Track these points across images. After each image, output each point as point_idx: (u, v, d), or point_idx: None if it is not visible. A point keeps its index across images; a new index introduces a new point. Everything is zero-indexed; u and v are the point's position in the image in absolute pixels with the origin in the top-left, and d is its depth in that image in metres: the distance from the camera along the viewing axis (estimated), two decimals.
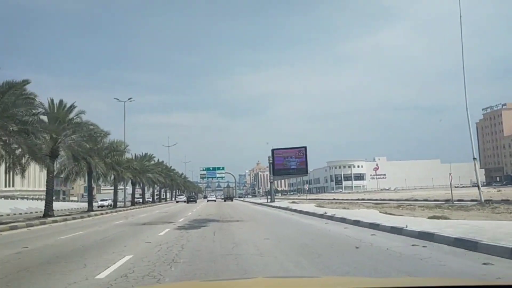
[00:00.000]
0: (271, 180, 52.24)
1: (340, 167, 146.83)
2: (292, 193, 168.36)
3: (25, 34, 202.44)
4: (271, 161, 50.05)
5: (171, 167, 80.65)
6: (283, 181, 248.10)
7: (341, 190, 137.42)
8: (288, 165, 50.79)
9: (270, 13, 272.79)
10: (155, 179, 63.10)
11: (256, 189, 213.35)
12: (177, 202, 69.79)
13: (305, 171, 52.77)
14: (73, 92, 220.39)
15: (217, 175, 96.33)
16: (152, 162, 63.51)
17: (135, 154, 58.16)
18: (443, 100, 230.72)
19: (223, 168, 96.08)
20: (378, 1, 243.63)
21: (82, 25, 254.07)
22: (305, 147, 51.21)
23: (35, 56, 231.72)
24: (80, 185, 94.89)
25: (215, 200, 69.90)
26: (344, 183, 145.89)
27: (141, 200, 68.56)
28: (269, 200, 47.00)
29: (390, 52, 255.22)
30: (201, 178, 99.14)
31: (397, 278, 3.57)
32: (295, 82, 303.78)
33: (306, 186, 79.87)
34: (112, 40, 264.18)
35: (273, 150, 50.78)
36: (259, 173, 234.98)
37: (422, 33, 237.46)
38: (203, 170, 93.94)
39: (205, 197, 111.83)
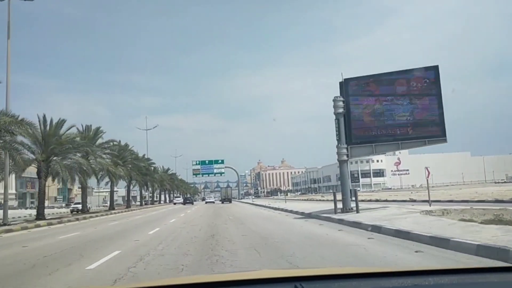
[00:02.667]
0: (345, 157, 19.45)
1: (356, 162, 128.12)
2: (298, 193, 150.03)
3: (25, 38, 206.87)
4: (341, 110, 19.27)
5: (144, 156, 61.34)
6: (286, 180, 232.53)
7: (359, 189, 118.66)
8: (391, 115, 18.97)
9: (270, 15, 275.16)
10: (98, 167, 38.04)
11: (259, 189, 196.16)
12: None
13: (441, 132, 18.54)
14: (73, 95, 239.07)
15: (215, 171, 77.71)
16: (102, 140, 41.10)
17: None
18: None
19: (222, 162, 77.54)
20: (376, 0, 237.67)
21: (82, 28, 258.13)
22: (436, 67, 18.62)
23: (36, 59, 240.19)
24: (49, 186, 77.96)
25: (213, 202, 66.67)
26: (362, 180, 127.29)
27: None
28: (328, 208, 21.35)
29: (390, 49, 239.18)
30: (194, 175, 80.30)
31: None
32: (295, 83, 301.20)
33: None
34: (111, 43, 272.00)
35: (345, 82, 19.53)
36: (261, 172, 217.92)
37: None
38: (196, 164, 75.55)
39: (203, 199, 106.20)
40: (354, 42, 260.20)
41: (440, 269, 1.95)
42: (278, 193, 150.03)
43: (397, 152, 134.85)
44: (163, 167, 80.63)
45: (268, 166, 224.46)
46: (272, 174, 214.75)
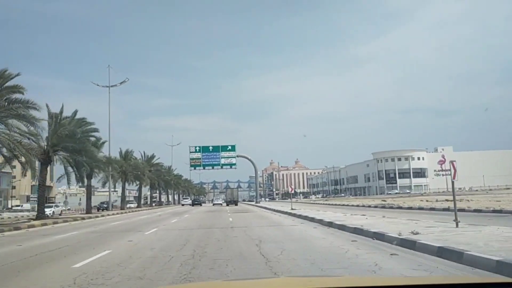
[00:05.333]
0: None
1: (393, 160, 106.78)
2: (318, 196, 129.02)
3: (38, 39, 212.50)
4: None
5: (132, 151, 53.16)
6: (301, 181, 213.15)
7: (396, 191, 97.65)
8: None
9: (276, 16, 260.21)
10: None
11: (274, 190, 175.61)
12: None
13: None
14: (82, 95, 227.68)
15: (223, 161, 57.13)
16: None
17: None
18: None
19: (233, 148, 56.97)
20: (388, 2, 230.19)
21: (92, 30, 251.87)
22: None
23: (47, 60, 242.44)
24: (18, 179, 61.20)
25: (221, 204, 62.60)
26: (400, 181, 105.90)
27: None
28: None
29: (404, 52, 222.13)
30: (192, 167, 60.10)
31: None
32: (303, 85, 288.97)
33: None
34: (120, 44, 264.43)
35: None
36: (274, 172, 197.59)
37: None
38: (195, 151, 55.47)
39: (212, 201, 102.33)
40: (368, 44, 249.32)
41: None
42: (300, 195, 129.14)
43: (438, 149, 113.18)
44: (170, 167, 76.19)
45: (281, 166, 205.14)
46: (286, 174, 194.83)
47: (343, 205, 43.00)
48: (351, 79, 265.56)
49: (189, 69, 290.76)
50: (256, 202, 61.32)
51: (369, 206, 36.07)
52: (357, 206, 38.26)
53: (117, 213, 36.78)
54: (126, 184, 54.00)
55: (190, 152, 58.79)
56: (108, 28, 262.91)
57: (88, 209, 36.18)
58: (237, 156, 60.25)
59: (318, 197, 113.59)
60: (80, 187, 52.80)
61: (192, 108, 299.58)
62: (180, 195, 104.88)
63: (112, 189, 63.45)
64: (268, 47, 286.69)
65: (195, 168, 62.85)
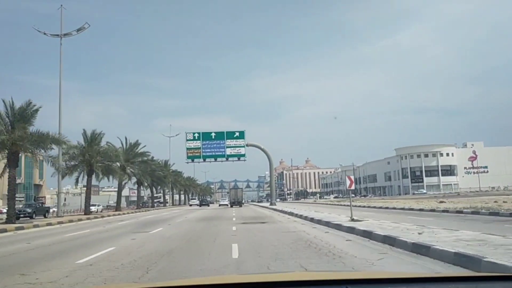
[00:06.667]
0: None
1: (419, 156, 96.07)
2: (331, 196, 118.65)
3: (46, 40, 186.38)
4: None
5: (103, 134, 40.30)
6: (313, 180, 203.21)
7: (423, 191, 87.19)
8: None
9: (286, 16, 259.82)
10: None
11: (285, 190, 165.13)
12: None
13: None
14: (93, 97, 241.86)
15: (228, 152, 46.64)
16: None
17: None
18: None
19: (241, 135, 46.27)
20: (397, 1, 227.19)
21: (102, 31, 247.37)
22: None
23: (54, 61, 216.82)
24: None
25: (227, 205, 58.41)
26: (427, 180, 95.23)
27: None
28: None
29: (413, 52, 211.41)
30: (189, 158, 49.31)
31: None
32: (311, 85, 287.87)
33: None
34: (129, 46, 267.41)
35: None
36: (285, 172, 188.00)
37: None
38: (194, 139, 44.95)
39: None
40: (376, 44, 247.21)
41: None
42: (317, 195, 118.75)
43: (468, 144, 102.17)
44: (166, 162, 70.15)
45: (292, 165, 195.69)
46: (297, 174, 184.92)
47: (391, 208, 33.28)
48: (360, 79, 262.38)
49: (198, 69, 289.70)
50: (271, 204, 49.07)
51: (421, 210, 26.34)
52: (411, 209, 28.47)
53: (46, 225, 22.75)
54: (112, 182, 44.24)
55: (187, 140, 47.94)
56: (114, 28, 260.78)
57: None
58: (247, 145, 49.29)
59: (337, 197, 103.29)
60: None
61: (201, 109, 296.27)
62: (188, 196, 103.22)
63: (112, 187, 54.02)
64: (277, 47, 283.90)
65: (193, 160, 50.19)
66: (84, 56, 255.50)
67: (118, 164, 40.96)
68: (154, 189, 71.09)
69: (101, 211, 45.82)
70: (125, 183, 48.83)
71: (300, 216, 21.85)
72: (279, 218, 23.27)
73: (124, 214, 38.16)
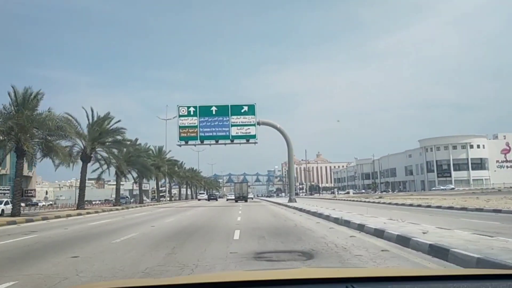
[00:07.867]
0: None
1: (446, 148, 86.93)
2: (351, 191, 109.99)
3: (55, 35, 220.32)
4: None
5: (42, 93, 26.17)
6: (324, 175, 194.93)
7: (451, 186, 78.39)
8: None
9: (296, 9, 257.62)
10: None
11: (296, 184, 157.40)
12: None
13: None
14: (102, 90, 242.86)
15: (234, 132, 36.84)
16: None
17: None
18: None
19: (250, 110, 35.38)
20: None
21: (111, 25, 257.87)
22: None
23: (67, 55, 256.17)
24: None
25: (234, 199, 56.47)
26: (455, 174, 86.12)
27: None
28: None
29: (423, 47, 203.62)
30: (181, 140, 37.72)
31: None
32: (324, 79, 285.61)
33: None
34: (138, 39, 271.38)
35: None
36: (296, 166, 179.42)
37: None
38: (190, 114, 34.61)
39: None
40: (386, 38, 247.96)
41: None
42: (337, 191, 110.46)
43: (500, 136, 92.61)
44: (160, 148, 62.06)
45: (302, 159, 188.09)
46: (308, 168, 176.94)
47: (424, 206, 25.31)
48: (372, 73, 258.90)
49: (205, 63, 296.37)
50: (290, 200, 38.34)
51: (480, 210, 18.47)
52: (464, 209, 20.63)
53: None
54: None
55: (180, 116, 36.74)
56: (128, 23, 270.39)
57: None
58: (258, 124, 38.54)
59: (355, 193, 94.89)
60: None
61: (209, 103, 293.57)
62: (196, 190, 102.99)
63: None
64: (288, 42, 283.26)
65: (187, 142, 38.04)
66: (92, 50, 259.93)
67: (81, 144, 31.89)
68: (155, 183, 63.20)
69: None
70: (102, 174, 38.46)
71: (363, 229, 10.90)
72: (323, 231, 11.62)
73: (93, 214, 30.17)
